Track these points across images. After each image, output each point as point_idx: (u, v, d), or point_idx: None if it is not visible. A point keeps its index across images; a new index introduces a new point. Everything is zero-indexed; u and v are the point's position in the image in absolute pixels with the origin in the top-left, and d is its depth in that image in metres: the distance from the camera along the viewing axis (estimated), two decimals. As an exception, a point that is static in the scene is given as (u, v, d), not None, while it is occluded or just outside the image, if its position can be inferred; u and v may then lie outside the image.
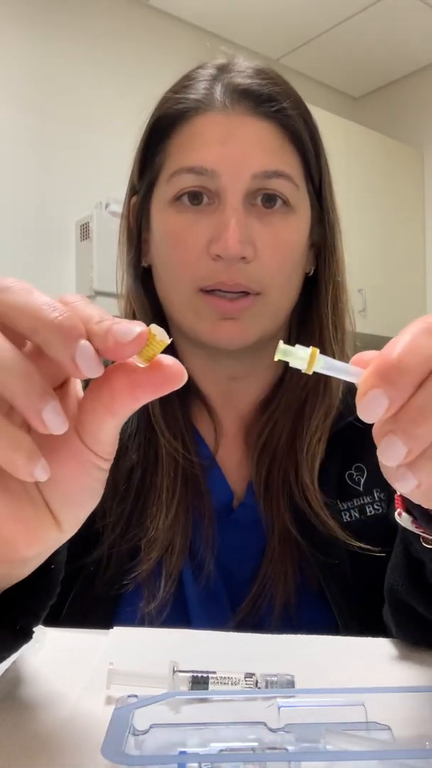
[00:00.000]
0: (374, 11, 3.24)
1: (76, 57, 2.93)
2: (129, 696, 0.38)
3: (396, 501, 0.47)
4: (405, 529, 0.48)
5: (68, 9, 2.91)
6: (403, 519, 0.46)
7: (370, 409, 0.32)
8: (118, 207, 2.82)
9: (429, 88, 3.79)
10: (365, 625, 0.61)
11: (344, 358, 0.74)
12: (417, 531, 0.46)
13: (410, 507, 0.45)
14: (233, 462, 0.74)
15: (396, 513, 0.47)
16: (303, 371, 0.34)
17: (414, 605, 0.52)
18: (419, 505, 0.44)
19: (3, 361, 0.32)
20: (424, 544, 0.46)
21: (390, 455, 0.33)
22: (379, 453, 0.33)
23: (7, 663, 0.47)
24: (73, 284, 2.84)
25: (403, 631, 0.54)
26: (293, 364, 0.34)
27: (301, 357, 0.34)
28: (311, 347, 0.34)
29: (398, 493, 0.46)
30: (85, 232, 2.79)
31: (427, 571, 0.49)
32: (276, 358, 0.34)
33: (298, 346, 0.34)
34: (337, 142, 3.30)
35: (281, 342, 0.34)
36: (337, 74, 3.81)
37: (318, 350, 0.34)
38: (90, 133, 2.90)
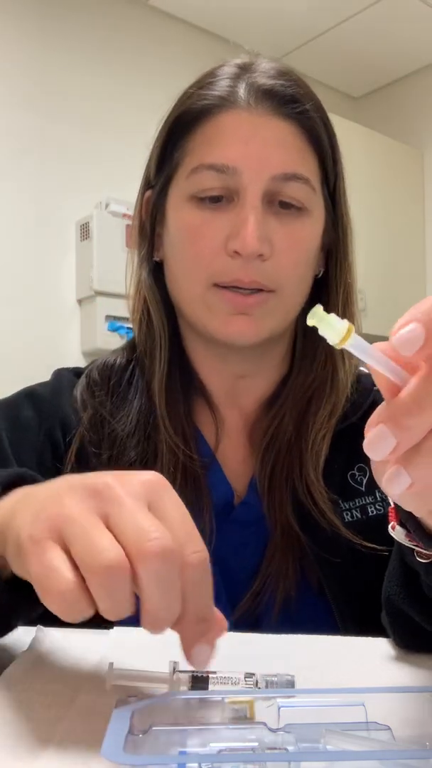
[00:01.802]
0: (374, 11, 3.24)
1: (77, 57, 2.92)
2: (129, 696, 0.38)
3: (390, 514, 0.46)
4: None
5: (68, 9, 2.91)
6: (396, 533, 0.46)
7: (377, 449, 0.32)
8: (118, 207, 2.83)
9: (429, 88, 3.79)
10: (365, 624, 0.61)
11: (352, 360, 0.74)
12: (410, 545, 0.45)
13: (404, 519, 0.45)
14: (235, 460, 0.74)
15: (389, 526, 0.46)
16: (332, 344, 0.32)
17: (410, 614, 0.51)
18: (413, 518, 0.43)
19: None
20: (418, 558, 0.46)
21: (377, 447, 0.31)
22: (365, 445, 0.32)
23: (7, 663, 0.47)
24: (73, 284, 2.84)
25: (401, 639, 0.54)
26: (323, 332, 0.32)
27: (336, 328, 0.32)
28: (347, 322, 0.32)
29: (392, 506, 0.46)
30: (85, 232, 2.79)
31: (422, 582, 0.49)
32: (309, 323, 0.33)
33: (333, 315, 0.32)
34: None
35: (319, 306, 0.32)
36: (337, 74, 3.81)
37: (353, 327, 0.32)
38: (90, 133, 2.90)
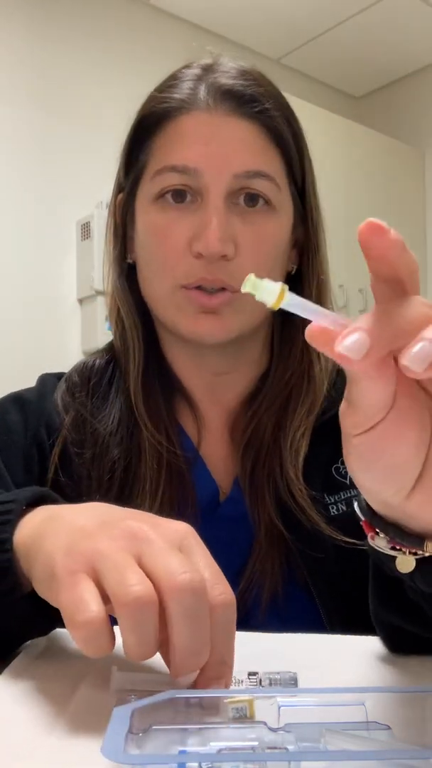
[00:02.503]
0: (374, 11, 3.24)
1: (77, 56, 2.92)
2: (129, 696, 0.38)
3: (364, 527, 0.44)
4: (376, 553, 0.44)
5: (69, 8, 2.91)
6: (378, 542, 0.43)
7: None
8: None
9: (430, 88, 3.78)
10: (351, 620, 0.60)
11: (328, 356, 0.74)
12: (392, 553, 0.43)
13: (381, 529, 0.42)
14: (218, 457, 0.75)
15: (369, 538, 0.43)
16: (269, 305, 0.34)
17: (402, 626, 0.49)
18: (391, 524, 0.41)
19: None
20: (397, 569, 0.43)
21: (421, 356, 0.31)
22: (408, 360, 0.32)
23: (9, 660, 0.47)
24: (74, 284, 2.84)
25: (399, 649, 0.52)
26: (260, 296, 0.34)
27: (270, 290, 0.34)
28: (280, 283, 0.34)
29: (364, 519, 0.44)
30: (85, 231, 2.79)
31: (407, 588, 0.46)
32: (243, 290, 0.34)
33: (266, 279, 0.34)
34: (337, 141, 3.29)
35: (252, 275, 0.34)
36: (337, 74, 3.81)
37: (287, 287, 0.34)
38: (91, 133, 2.90)
